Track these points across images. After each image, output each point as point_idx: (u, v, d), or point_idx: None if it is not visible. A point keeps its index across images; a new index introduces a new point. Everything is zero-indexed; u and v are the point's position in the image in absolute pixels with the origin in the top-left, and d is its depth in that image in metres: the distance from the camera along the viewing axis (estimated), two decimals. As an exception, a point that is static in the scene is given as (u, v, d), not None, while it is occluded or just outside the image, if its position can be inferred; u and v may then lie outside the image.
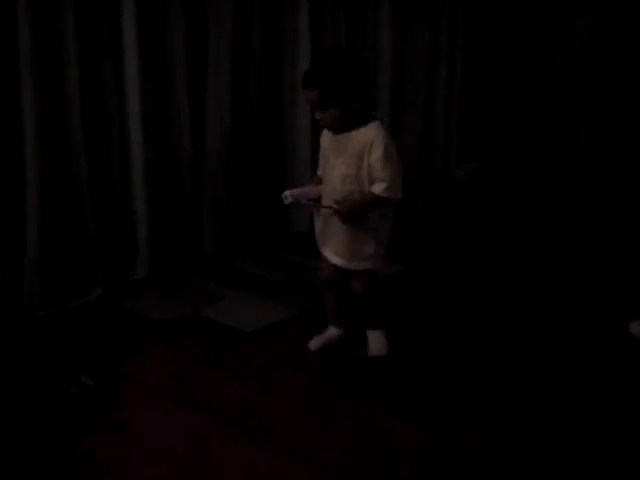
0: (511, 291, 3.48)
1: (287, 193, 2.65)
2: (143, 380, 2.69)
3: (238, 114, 3.74)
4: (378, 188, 2.57)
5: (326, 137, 2.72)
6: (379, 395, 2.62)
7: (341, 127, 2.60)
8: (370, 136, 2.56)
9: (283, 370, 2.79)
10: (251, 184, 3.86)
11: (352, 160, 2.59)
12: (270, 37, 3.80)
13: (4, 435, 2.36)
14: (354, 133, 2.59)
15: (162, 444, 2.33)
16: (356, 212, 2.61)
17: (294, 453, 2.29)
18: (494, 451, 2.31)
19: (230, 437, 2.37)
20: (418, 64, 4.71)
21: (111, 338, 3.00)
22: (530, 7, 5.42)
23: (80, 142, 3.17)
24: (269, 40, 3.80)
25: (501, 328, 3.11)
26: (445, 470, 2.24)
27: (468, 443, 2.35)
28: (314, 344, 2.92)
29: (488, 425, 2.44)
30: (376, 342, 2.90)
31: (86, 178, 3.21)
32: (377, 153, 2.54)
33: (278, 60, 3.88)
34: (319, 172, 2.79)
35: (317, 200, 2.72)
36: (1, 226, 3.04)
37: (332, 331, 2.95)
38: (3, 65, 2.92)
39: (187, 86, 3.50)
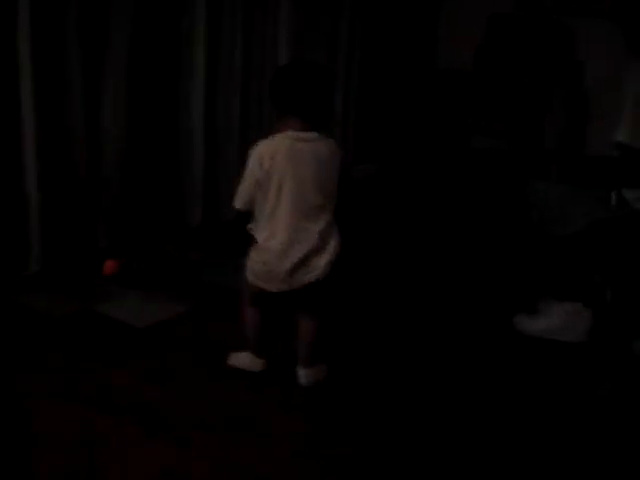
0: (400, 283, 3.65)
1: None
2: (38, 375, 2.70)
3: (133, 118, 3.78)
4: None
5: None
6: (271, 390, 2.70)
7: None
8: None
9: (174, 364, 2.83)
10: (146, 181, 3.91)
11: None
12: (166, 49, 3.88)
13: None
14: None
15: (53, 436, 2.35)
16: None
17: (184, 444, 2.36)
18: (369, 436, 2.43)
19: (118, 429, 2.41)
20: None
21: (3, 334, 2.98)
22: (425, 16, 5.62)
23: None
24: (164, 48, 3.88)
25: (398, 318, 3.29)
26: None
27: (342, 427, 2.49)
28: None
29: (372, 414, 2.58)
30: None
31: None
32: None
33: (176, 69, 3.96)
34: None
35: None
36: None
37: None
38: None
39: (83, 87, 3.51)
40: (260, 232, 2.55)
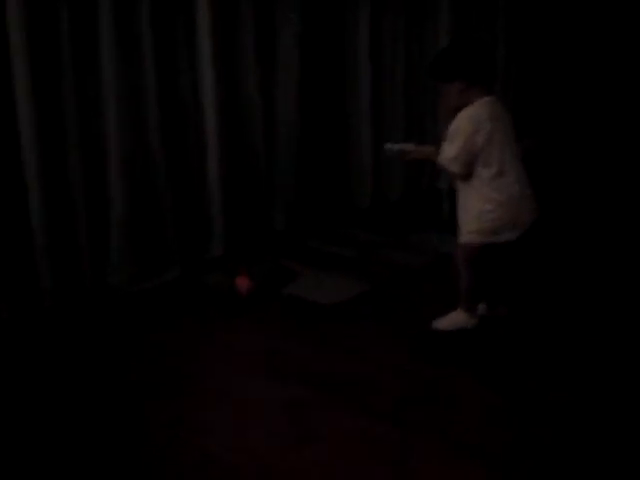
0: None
1: (389, 146, 2.87)
2: (232, 354, 2.80)
3: (305, 106, 3.91)
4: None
5: None
6: (458, 364, 2.70)
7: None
8: None
9: (365, 340, 2.88)
10: (317, 165, 4.03)
11: None
12: (331, 34, 4.01)
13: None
14: None
15: (256, 412, 2.42)
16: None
17: (378, 415, 2.39)
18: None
19: (320, 403, 2.46)
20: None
21: (194, 314, 3.13)
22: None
23: (157, 129, 3.31)
24: (330, 35, 4.01)
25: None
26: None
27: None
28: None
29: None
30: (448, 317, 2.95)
31: (164, 166, 3.36)
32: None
33: (341, 52, 4.06)
34: None
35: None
36: (88, 213, 3.18)
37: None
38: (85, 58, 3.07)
39: (258, 73, 3.66)
40: (489, 187, 2.71)
